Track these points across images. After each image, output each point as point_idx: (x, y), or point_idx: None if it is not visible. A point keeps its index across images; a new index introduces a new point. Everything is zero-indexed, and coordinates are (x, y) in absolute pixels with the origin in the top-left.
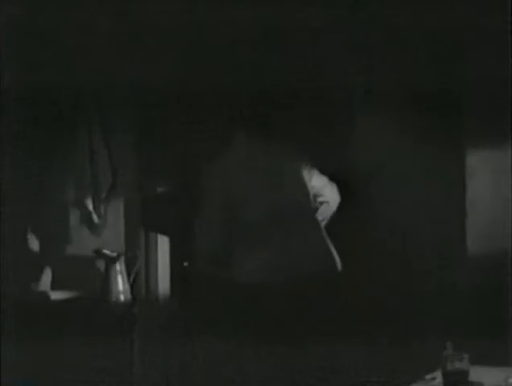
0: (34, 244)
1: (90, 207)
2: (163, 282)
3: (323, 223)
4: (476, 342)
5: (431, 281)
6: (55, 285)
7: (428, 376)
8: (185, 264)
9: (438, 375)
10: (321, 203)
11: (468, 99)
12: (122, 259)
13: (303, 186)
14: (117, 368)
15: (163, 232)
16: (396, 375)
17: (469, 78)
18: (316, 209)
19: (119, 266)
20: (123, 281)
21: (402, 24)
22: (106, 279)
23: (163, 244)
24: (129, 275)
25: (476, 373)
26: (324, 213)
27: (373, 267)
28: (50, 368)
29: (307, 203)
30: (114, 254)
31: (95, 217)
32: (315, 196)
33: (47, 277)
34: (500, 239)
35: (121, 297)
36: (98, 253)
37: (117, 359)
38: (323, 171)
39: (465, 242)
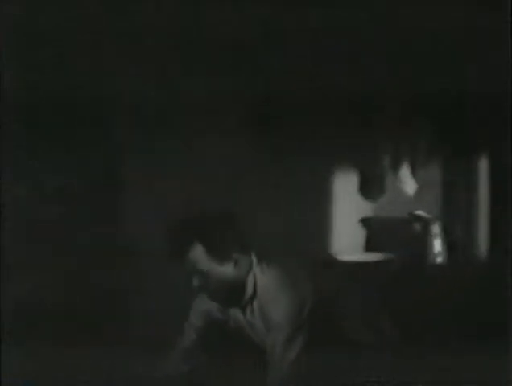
0: None
1: (408, 172)
2: (483, 246)
3: None
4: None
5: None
6: (369, 248)
7: None
8: None
9: None
10: None
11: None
12: (438, 222)
13: None
14: None
15: None
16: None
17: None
18: None
19: (436, 229)
20: (440, 244)
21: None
22: (422, 241)
23: (482, 206)
24: (447, 238)
25: None
26: None
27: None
28: None
29: None
30: (430, 216)
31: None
32: None
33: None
34: None
35: (438, 260)
36: (414, 216)
37: None
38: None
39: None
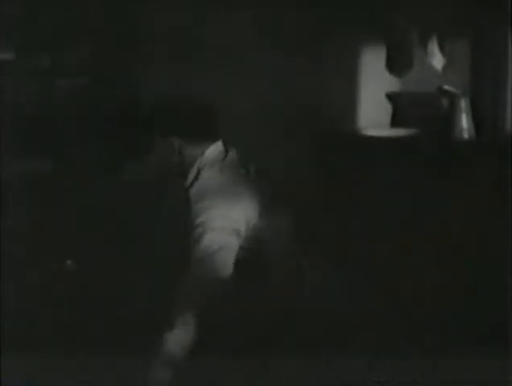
0: None
1: (436, 45)
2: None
3: None
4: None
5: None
6: (395, 123)
7: None
8: None
9: None
10: None
11: None
12: (467, 97)
13: None
14: None
15: None
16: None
17: None
18: None
19: (464, 104)
20: (467, 119)
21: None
22: (449, 116)
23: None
24: (474, 114)
25: None
26: None
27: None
28: None
29: None
30: (458, 91)
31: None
32: None
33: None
34: None
35: (465, 135)
36: (442, 90)
37: None
38: None
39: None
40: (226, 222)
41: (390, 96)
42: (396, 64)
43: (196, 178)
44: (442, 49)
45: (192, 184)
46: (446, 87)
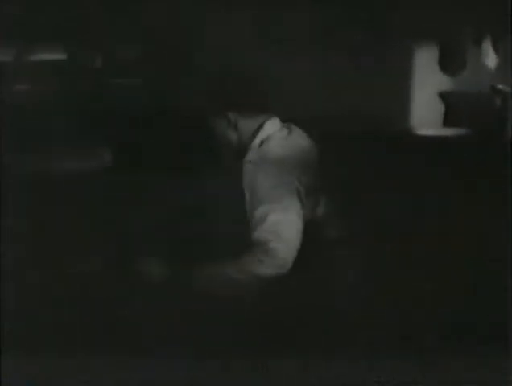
0: None
1: (489, 44)
2: None
3: None
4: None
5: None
6: (447, 123)
7: None
8: None
9: None
10: None
11: None
12: None
13: None
14: None
15: None
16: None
17: None
18: None
19: None
20: None
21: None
22: (501, 115)
23: None
24: None
25: None
26: None
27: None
28: None
29: None
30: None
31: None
32: None
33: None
34: None
35: None
36: (495, 90)
37: None
38: None
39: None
40: (294, 198)
41: (443, 96)
42: (449, 64)
43: (258, 151)
44: (495, 48)
45: (253, 157)
46: (499, 86)
